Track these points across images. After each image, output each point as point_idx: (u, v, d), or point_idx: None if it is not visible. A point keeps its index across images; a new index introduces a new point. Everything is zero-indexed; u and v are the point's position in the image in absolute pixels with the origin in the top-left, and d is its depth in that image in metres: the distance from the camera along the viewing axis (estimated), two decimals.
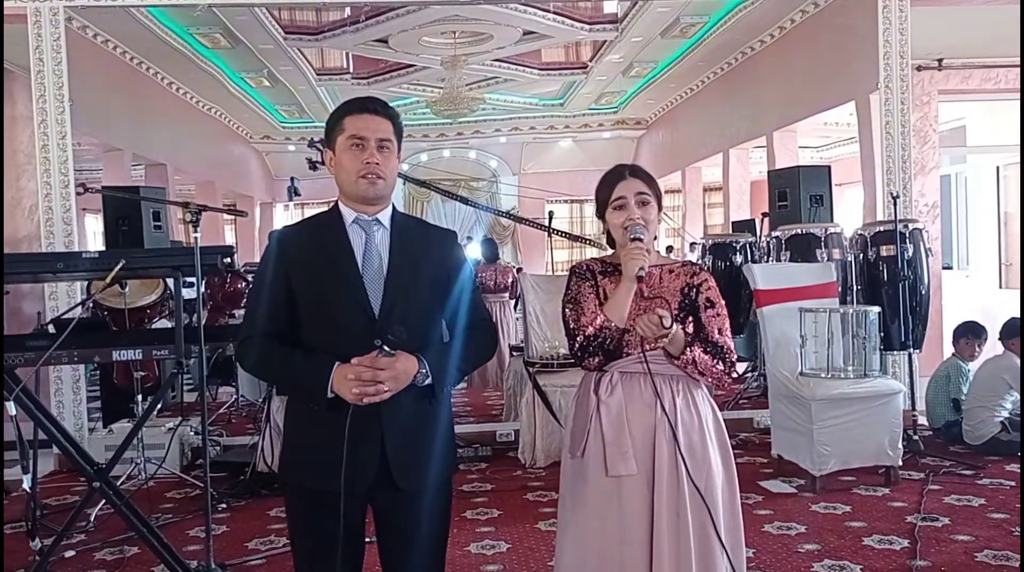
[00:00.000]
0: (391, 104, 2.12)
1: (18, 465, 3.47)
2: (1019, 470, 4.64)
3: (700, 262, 6.38)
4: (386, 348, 1.85)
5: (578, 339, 2.18)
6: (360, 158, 1.99)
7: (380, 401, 1.89)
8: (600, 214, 2.28)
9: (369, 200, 2.02)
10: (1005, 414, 5.13)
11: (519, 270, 8.71)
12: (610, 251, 2.34)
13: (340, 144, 2.02)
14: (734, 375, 2.29)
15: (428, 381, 1.95)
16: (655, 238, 2.30)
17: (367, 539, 2.11)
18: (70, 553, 3.76)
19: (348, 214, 2.05)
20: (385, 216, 2.06)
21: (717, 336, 2.21)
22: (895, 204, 5.30)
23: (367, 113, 2.03)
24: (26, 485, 3.51)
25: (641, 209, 2.20)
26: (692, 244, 11.77)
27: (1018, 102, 6.33)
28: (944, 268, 7.82)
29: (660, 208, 2.25)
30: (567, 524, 2.26)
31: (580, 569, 2.20)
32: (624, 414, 2.17)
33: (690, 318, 2.24)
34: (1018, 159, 7.15)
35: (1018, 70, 6.62)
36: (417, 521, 2.03)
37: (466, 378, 5.13)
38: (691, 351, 2.14)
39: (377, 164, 1.99)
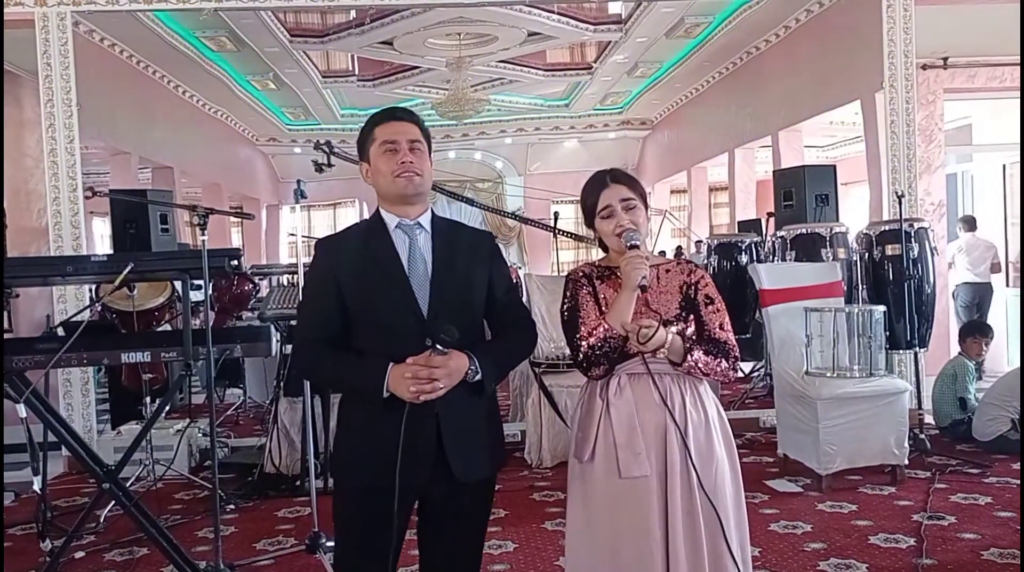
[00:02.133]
0: None
1: (29, 467, 3.50)
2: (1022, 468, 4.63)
3: (706, 262, 6.38)
4: (439, 346, 1.94)
5: (582, 349, 2.17)
6: (395, 159, 2.07)
7: (435, 398, 1.97)
8: (588, 222, 2.30)
9: (409, 198, 2.09)
10: (1016, 415, 5.12)
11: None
12: (602, 255, 2.36)
13: (374, 152, 2.10)
14: (738, 371, 2.29)
15: (477, 377, 2.02)
16: (647, 237, 2.31)
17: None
18: (80, 554, 3.78)
19: (391, 220, 2.11)
20: (426, 220, 2.14)
21: (719, 332, 2.22)
22: (900, 203, 5.29)
23: (394, 120, 2.12)
24: (36, 487, 3.55)
25: (629, 214, 2.21)
26: (698, 242, 11.80)
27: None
28: (950, 267, 7.80)
29: (647, 207, 2.27)
30: (577, 526, 2.26)
31: (593, 570, 2.20)
32: (635, 415, 2.17)
33: (691, 317, 2.24)
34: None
35: None
36: (464, 512, 2.13)
37: None
38: (692, 356, 2.14)
39: (412, 162, 2.07)
